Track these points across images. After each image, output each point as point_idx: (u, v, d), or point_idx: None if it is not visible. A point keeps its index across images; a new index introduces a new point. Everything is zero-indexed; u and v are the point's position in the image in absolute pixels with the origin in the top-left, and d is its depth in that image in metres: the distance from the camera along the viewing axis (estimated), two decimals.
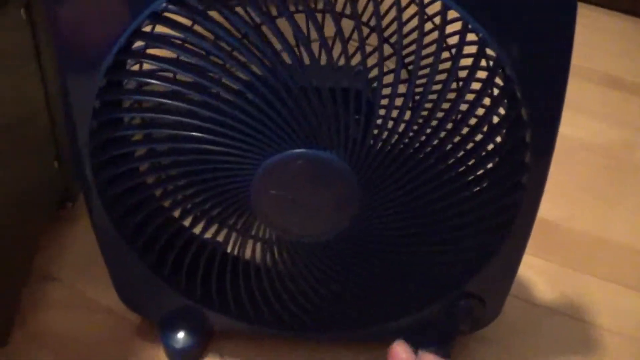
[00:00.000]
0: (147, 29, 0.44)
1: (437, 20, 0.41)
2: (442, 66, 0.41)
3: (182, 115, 0.42)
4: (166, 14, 0.40)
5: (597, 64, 0.96)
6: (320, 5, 0.53)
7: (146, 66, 0.44)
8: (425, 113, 0.42)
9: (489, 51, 0.40)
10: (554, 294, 0.64)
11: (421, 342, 0.53)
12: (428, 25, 0.42)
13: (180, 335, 0.54)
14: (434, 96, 0.41)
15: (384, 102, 0.41)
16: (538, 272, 0.66)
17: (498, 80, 0.42)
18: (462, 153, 0.44)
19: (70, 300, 0.60)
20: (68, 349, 0.57)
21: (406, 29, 0.46)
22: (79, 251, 0.64)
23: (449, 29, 0.41)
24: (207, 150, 0.43)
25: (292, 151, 0.42)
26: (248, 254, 0.49)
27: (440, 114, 0.42)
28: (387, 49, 0.45)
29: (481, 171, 0.45)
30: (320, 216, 0.45)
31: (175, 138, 0.44)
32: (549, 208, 0.74)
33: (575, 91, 0.90)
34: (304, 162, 0.42)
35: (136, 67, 0.46)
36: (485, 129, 0.44)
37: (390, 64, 0.41)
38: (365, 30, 0.44)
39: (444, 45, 0.41)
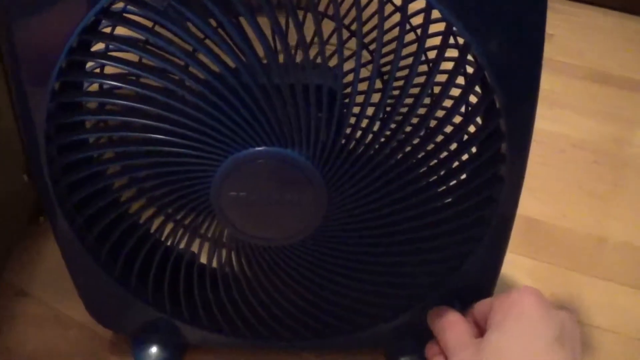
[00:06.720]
0: (107, 29, 0.43)
1: (419, 31, 0.40)
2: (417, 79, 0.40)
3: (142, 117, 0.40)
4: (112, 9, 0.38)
5: (585, 61, 0.95)
6: (302, 2, 0.52)
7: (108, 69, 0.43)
8: (399, 118, 0.40)
9: (470, 57, 0.39)
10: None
11: (402, 346, 0.52)
12: (410, 36, 0.42)
13: (153, 349, 0.52)
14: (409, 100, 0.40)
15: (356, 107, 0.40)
16: (527, 273, 0.63)
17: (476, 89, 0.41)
18: (435, 160, 0.42)
19: (43, 316, 0.59)
20: None
21: (387, 37, 0.45)
22: (52, 266, 0.62)
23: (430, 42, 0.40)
24: (168, 152, 0.41)
25: (252, 149, 0.40)
26: (215, 261, 0.47)
27: (415, 120, 0.41)
28: (366, 55, 0.44)
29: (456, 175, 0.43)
30: (284, 219, 0.43)
31: (137, 141, 0.42)
32: (539, 207, 0.73)
33: (563, 88, 0.91)
34: (265, 161, 0.40)
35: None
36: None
37: (365, 71, 0.40)
38: (345, 34, 0.44)
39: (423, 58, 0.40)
